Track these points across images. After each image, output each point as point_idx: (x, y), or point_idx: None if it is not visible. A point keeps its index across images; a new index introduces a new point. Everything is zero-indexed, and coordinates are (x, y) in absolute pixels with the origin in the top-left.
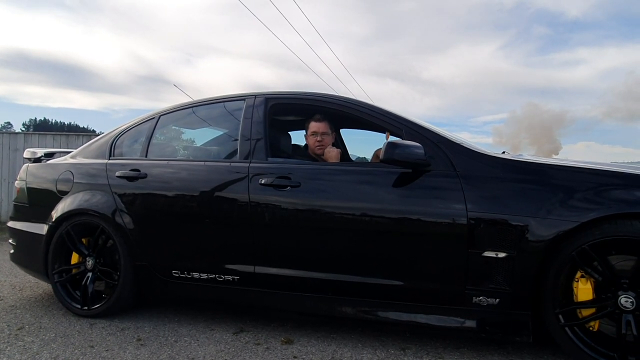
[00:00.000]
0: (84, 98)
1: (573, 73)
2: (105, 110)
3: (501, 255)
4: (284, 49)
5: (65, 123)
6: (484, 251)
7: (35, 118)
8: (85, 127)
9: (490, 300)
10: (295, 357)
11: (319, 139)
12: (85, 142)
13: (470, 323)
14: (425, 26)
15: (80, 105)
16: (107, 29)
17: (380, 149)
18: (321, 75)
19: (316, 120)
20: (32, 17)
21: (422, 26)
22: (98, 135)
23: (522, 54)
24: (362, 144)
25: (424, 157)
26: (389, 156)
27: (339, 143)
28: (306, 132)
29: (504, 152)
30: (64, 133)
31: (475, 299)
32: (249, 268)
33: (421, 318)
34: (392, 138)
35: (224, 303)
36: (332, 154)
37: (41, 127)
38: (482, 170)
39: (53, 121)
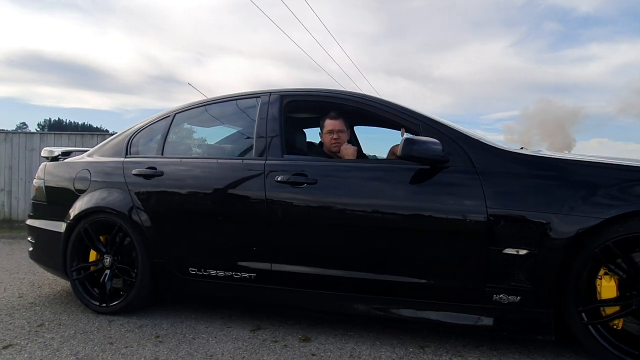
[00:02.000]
0: (96, 98)
1: (585, 69)
2: (118, 110)
3: (522, 252)
4: (295, 47)
5: (79, 123)
6: (504, 248)
7: (50, 118)
8: (99, 127)
9: (511, 298)
10: (313, 354)
11: (335, 136)
12: (100, 142)
13: (489, 321)
14: (436, 24)
15: (93, 105)
16: (119, 30)
17: (397, 145)
18: (332, 73)
19: (331, 118)
20: (46, 18)
21: (433, 24)
22: (111, 134)
23: (533, 50)
24: (372, 142)
25: (442, 153)
26: (406, 152)
27: (354, 140)
28: (321, 129)
29: (521, 148)
30: (79, 133)
31: (495, 297)
32: (265, 265)
33: (439, 316)
34: (407, 134)
35: (241, 300)
36: (349, 151)
37: (55, 127)
38: (501, 166)
39: (67, 121)
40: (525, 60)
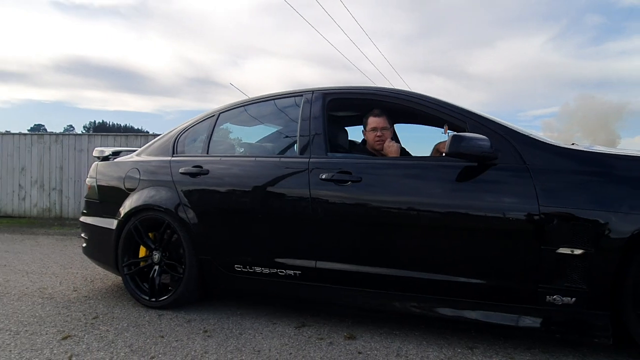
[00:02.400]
0: (138, 101)
1: (631, 63)
2: (158, 112)
3: (577, 252)
4: (328, 48)
5: (121, 125)
6: (558, 248)
7: (95, 120)
8: (139, 128)
9: (566, 300)
10: (359, 352)
11: (378, 134)
12: (142, 142)
13: (540, 323)
14: (471, 20)
15: (134, 107)
16: (158, 34)
17: (441, 142)
18: (366, 72)
19: (375, 115)
20: (91, 26)
21: (468, 20)
22: (152, 135)
23: (574, 45)
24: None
25: (491, 149)
26: (454, 149)
27: (395, 139)
28: (364, 127)
29: (573, 144)
30: (123, 134)
31: (548, 298)
32: (310, 263)
33: (488, 317)
34: (450, 132)
35: (286, 297)
36: (392, 148)
37: (100, 129)
38: (553, 162)
39: (110, 123)
40: (565, 56)
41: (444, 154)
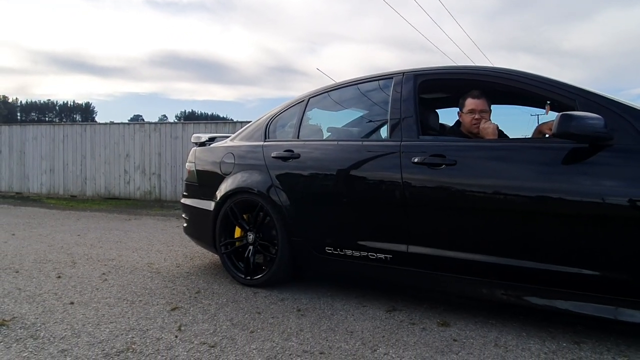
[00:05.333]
0: (223, 90)
1: None
2: (240, 101)
3: None
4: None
5: (209, 113)
6: None
7: (185, 110)
8: (225, 116)
9: None
10: (455, 340)
11: (476, 116)
12: (229, 129)
13: None
14: None
15: (220, 97)
16: (240, 26)
17: (545, 123)
18: (447, 53)
19: (474, 97)
20: (180, 20)
21: None
22: (237, 123)
23: None
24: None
25: (605, 129)
26: (563, 129)
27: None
28: (461, 109)
29: None
30: (213, 122)
31: None
32: (401, 247)
33: (597, 311)
34: (552, 111)
35: (376, 281)
36: (490, 130)
37: (189, 118)
38: None
39: (199, 112)
40: None
41: (548, 136)
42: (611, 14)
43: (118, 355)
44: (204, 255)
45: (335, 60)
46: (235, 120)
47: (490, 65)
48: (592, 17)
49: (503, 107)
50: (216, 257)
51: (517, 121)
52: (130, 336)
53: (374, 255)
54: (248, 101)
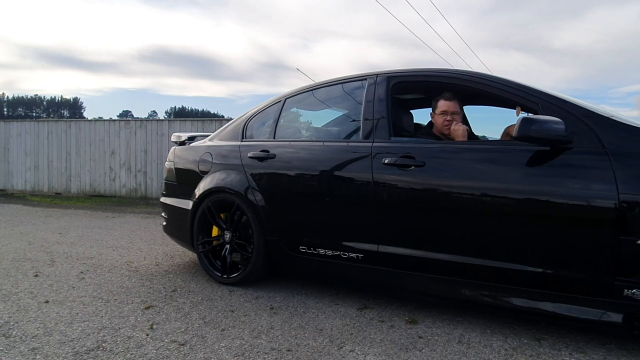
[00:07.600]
0: (214, 87)
1: None
2: (232, 97)
3: None
4: (397, 27)
5: (199, 110)
6: (639, 238)
7: (175, 106)
8: (215, 113)
9: None
10: (420, 337)
11: (448, 118)
12: (217, 127)
13: (618, 317)
14: None
15: (211, 93)
16: (232, 21)
17: (512, 126)
18: (438, 51)
19: (446, 99)
20: (171, 15)
21: None
22: (227, 119)
23: None
24: (480, 122)
25: (565, 132)
26: (524, 132)
27: (463, 121)
28: (433, 110)
29: None
30: (200, 119)
31: (627, 292)
32: (372, 247)
33: (556, 308)
34: (523, 113)
35: (348, 280)
36: (459, 132)
37: (179, 114)
38: (638, 146)
39: (189, 108)
40: None
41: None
42: (603, 12)
43: (88, 353)
44: (185, 254)
45: (328, 57)
46: (224, 117)
47: (483, 64)
48: (584, 14)
49: (486, 108)
50: (195, 255)
51: (499, 121)
52: (101, 335)
53: (345, 255)
54: (239, 97)
